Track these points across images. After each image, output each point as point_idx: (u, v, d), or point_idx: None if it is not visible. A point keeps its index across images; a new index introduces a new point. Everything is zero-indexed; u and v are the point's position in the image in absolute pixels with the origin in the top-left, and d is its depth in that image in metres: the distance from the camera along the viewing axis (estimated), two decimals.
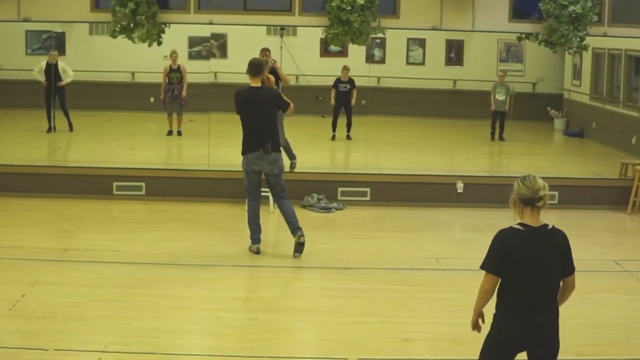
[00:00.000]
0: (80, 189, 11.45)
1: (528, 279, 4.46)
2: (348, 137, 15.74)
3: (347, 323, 6.98)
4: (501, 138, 16.31)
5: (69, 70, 15.39)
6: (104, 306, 7.20)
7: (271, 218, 10.84)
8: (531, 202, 4.48)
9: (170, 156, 14.99)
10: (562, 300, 4.67)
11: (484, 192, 11.62)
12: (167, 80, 15.70)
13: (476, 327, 4.73)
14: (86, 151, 14.62)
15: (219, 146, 13.31)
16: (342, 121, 15.83)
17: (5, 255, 8.64)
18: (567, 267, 4.58)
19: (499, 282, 4.54)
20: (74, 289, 7.64)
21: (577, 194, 11.78)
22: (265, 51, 11.64)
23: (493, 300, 4.62)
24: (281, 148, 9.31)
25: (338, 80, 15.92)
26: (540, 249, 4.48)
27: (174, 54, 15.65)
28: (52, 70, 15.20)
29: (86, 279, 7.98)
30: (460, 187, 11.74)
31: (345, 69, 15.98)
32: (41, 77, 15.14)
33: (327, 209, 11.25)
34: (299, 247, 8.87)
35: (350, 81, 15.88)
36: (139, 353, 6.16)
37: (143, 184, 11.58)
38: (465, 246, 9.83)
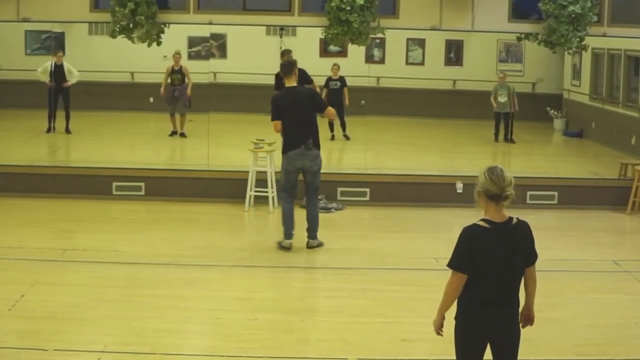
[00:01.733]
0: (79, 189, 11.44)
1: (495, 275, 4.43)
2: (345, 137, 15.68)
3: (347, 323, 6.98)
4: (511, 140, 16.23)
5: (75, 70, 15.42)
6: (104, 306, 7.20)
7: (270, 218, 10.85)
8: (497, 198, 4.42)
9: (169, 156, 14.98)
10: (532, 294, 4.66)
11: None
12: (168, 81, 15.62)
13: (439, 329, 4.69)
14: (86, 151, 14.61)
15: (218, 146, 13.30)
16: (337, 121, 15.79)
17: (5, 255, 8.64)
18: (530, 257, 4.57)
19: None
20: (73, 289, 7.64)
21: (576, 194, 11.78)
22: (288, 53, 11.68)
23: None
24: None
25: (329, 79, 15.84)
26: (506, 245, 4.44)
27: (176, 55, 15.53)
28: (57, 71, 15.22)
29: (86, 279, 7.98)
30: (459, 187, 11.74)
31: (335, 66, 15.93)
32: (45, 78, 15.10)
33: (327, 209, 11.23)
34: (310, 246, 9.29)
35: (341, 79, 15.81)
36: (139, 353, 6.15)
37: (142, 184, 11.57)
38: None
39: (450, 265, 4.48)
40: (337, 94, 15.61)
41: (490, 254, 4.41)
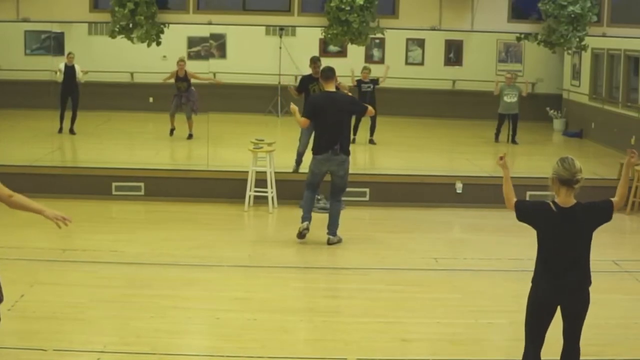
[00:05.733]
0: (79, 189, 11.44)
1: (556, 250, 5.01)
2: (371, 142, 15.16)
3: (346, 323, 6.98)
4: (514, 141, 16.20)
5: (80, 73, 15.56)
6: (103, 306, 7.20)
7: (270, 218, 10.85)
8: (568, 182, 4.98)
9: (169, 156, 14.96)
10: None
11: (483, 193, 11.62)
12: (175, 86, 15.37)
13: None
14: (85, 151, 14.62)
15: (217, 146, 13.31)
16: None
17: (4, 256, 8.62)
18: (604, 211, 5.14)
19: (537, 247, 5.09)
20: (73, 289, 7.64)
21: (576, 194, 11.74)
22: (315, 61, 11.75)
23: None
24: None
25: (360, 81, 15.32)
26: (568, 226, 4.98)
27: (180, 62, 15.28)
28: (68, 72, 15.25)
29: (85, 279, 7.98)
30: (459, 187, 11.74)
31: (366, 69, 15.38)
32: (60, 78, 15.26)
33: (327, 209, 11.20)
34: (330, 242, 9.46)
35: (373, 81, 15.21)
36: (138, 353, 6.15)
37: (142, 184, 11.57)
38: (464, 246, 9.84)
39: (516, 204, 5.13)
40: (369, 96, 14.66)
41: (551, 232, 5.00)
